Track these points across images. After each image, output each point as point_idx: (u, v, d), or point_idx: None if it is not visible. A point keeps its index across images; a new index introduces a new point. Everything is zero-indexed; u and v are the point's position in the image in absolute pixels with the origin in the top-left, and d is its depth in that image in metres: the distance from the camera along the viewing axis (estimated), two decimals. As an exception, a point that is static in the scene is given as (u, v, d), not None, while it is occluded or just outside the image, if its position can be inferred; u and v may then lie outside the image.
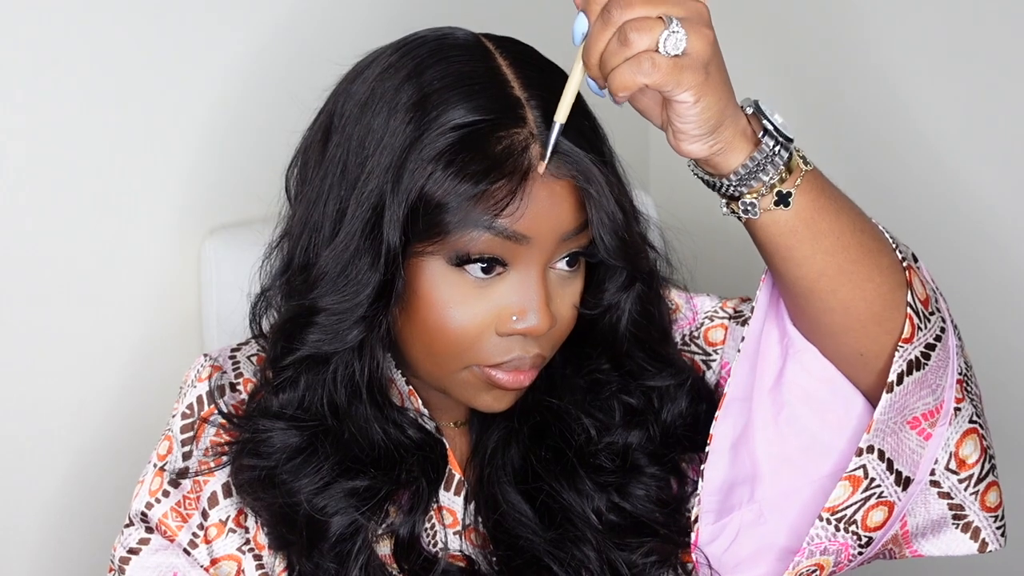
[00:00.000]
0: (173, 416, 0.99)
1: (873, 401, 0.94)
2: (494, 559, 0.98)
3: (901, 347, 0.91)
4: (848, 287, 0.90)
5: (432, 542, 0.98)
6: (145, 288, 1.26)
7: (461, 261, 0.88)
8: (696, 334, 1.06)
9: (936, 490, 0.96)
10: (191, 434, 0.97)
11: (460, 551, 0.98)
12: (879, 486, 0.94)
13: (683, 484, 1.01)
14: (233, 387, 0.99)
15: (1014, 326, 1.39)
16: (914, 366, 0.92)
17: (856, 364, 0.95)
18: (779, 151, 0.86)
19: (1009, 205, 1.37)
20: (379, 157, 0.88)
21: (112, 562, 0.97)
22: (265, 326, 0.99)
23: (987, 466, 0.97)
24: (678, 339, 1.05)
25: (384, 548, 0.96)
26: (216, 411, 0.97)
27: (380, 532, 0.96)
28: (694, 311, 1.06)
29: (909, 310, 0.91)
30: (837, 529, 0.95)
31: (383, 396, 0.94)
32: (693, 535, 0.98)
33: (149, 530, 0.96)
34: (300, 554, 0.93)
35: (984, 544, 0.97)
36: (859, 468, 0.93)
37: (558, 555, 0.97)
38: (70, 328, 1.22)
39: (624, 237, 0.89)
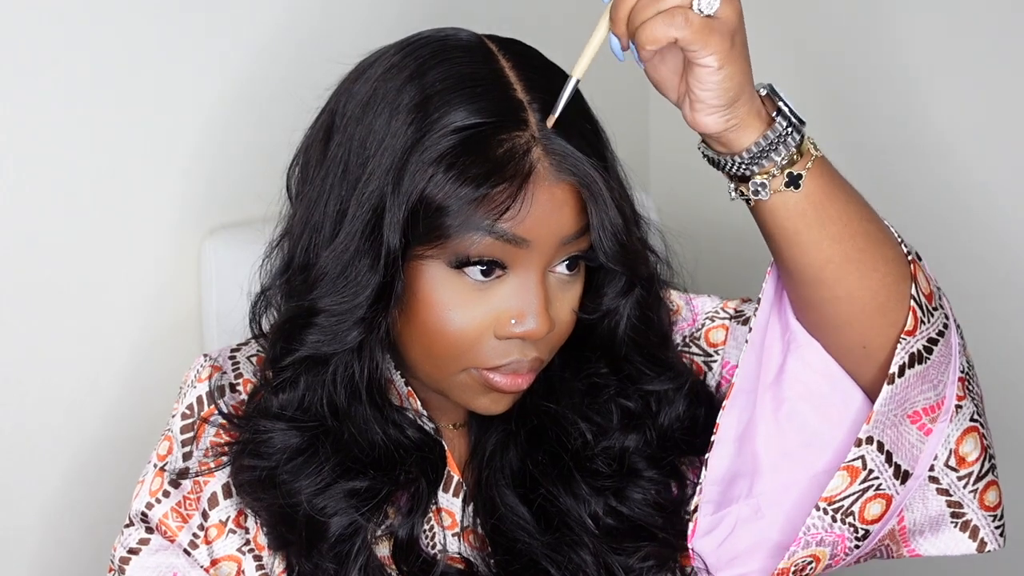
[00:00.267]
0: (173, 416, 0.99)
1: (874, 397, 0.94)
2: (492, 561, 0.98)
3: (904, 339, 0.91)
4: (854, 276, 0.90)
5: (431, 544, 0.98)
6: (145, 288, 1.26)
7: (461, 264, 0.88)
8: (697, 335, 1.06)
9: (935, 486, 0.96)
10: (191, 434, 0.97)
11: (458, 553, 0.98)
12: (877, 478, 0.94)
13: (683, 487, 1.01)
14: (233, 388, 0.99)
15: (1015, 327, 1.39)
16: (916, 359, 0.92)
17: (859, 357, 0.95)
18: (791, 133, 0.87)
19: (1012, 207, 1.37)
20: (380, 158, 0.88)
21: (112, 562, 0.97)
22: (265, 325, 0.99)
23: (987, 465, 0.97)
24: (678, 340, 1.05)
25: (383, 550, 0.96)
26: (216, 411, 0.97)
27: (379, 534, 0.95)
28: (694, 312, 1.06)
29: (913, 303, 0.92)
30: (834, 520, 0.95)
31: (382, 397, 0.94)
32: (691, 525, 0.98)
33: (149, 530, 0.96)
34: (299, 554, 0.93)
35: (983, 544, 0.97)
36: (858, 459, 0.93)
37: (555, 558, 0.97)
38: (70, 328, 1.21)
39: (624, 242, 0.89)
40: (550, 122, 0.87)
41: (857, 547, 0.96)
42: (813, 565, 0.97)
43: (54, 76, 1.17)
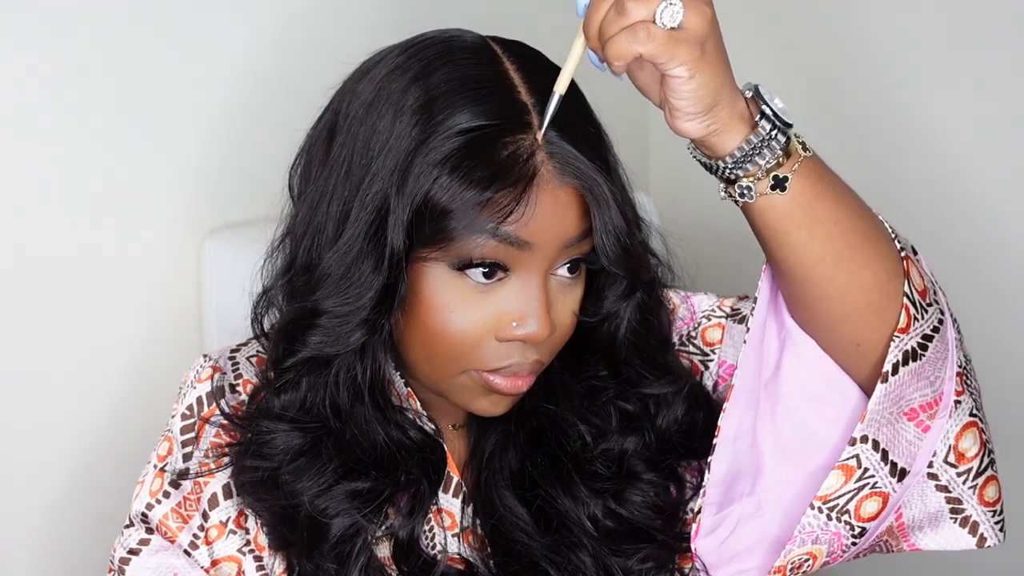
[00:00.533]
0: (173, 417, 0.99)
1: (870, 394, 0.94)
2: (492, 562, 0.98)
3: (897, 337, 0.91)
4: (845, 274, 0.90)
5: (431, 544, 0.98)
6: (145, 288, 1.26)
7: (463, 266, 0.88)
8: (694, 334, 1.06)
9: (934, 483, 0.96)
10: (191, 435, 0.97)
11: (458, 554, 0.98)
12: (872, 476, 0.94)
13: (681, 490, 1.01)
14: (233, 388, 0.99)
15: (1014, 326, 1.39)
16: (910, 356, 0.92)
17: (852, 355, 0.94)
18: (776, 135, 0.86)
19: (1011, 206, 1.37)
20: (384, 159, 0.88)
21: (112, 563, 0.97)
22: (266, 326, 0.99)
23: (986, 460, 0.96)
24: (675, 339, 1.05)
25: (384, 550, 0.96)
26: (218, 411, 0.97)
27: (380, 534, 0.96)
28: (692, 311, 1.06)
29: (906, 300, 0.91)
30: (829, 518, 0.95)
31: (384, 398, 0.94)
32: (695, 526, 0.98)
33: (149, 531, 0.96)
34: (300, 555, 0.93)
35: (983, 539, 0.97)
36: (852, 458, 0.93)
37: (555, 560, 0.97)
38: (70, 328, 1.21)
39: (626, 245, 0.89)
40: (539, 136, 0.87)
41: (854, 544, 0.96)
42: (810, 563, 0.97)
43: (55, 76, 1.17)
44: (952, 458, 0.95)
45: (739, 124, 0.86)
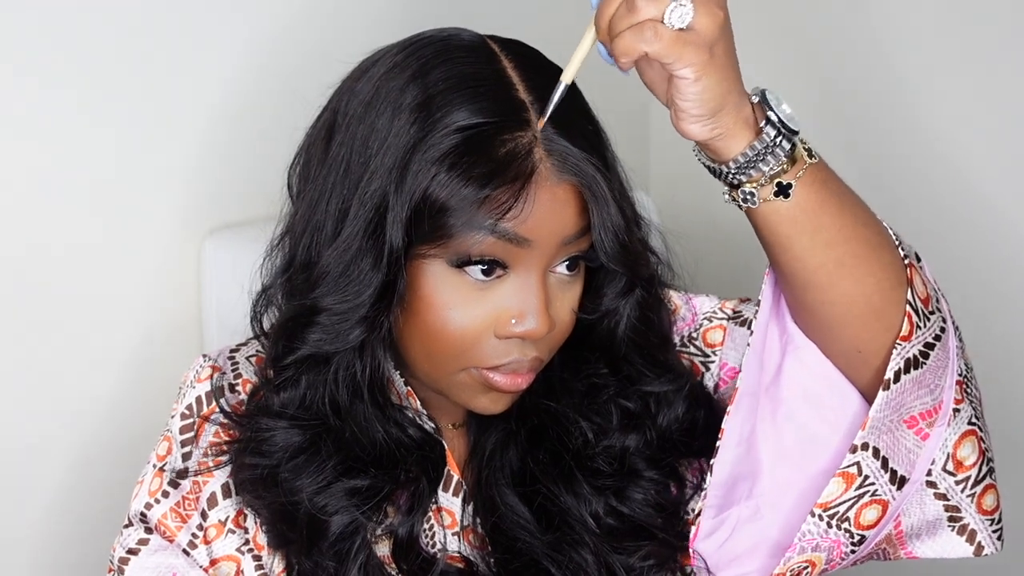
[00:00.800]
0: (172, 416, 0.99)
1: (870, 400, 0.94)
2: (492, 561, 0.98)
3: (899, 344, 0.91)
4: (848, 281, 0.90)
5: (431, 543, 0.98)
6: (145, 288, 1.26)
7: (462, 263, 0.88)
8: (695, 335, 1.05)
9: (932, 491, 0.96)
10: (191, 434, 0.97)
11: (458, 552, 0.98)
12: (873, 484, 0.94)
13: (682, 488, 1.01)
14: (232, 388, 0.99)
15: (1016, 326, 1.39)
16: (912, 364, 0.92)
17: (854, 361, 0.94)
18: (780, 142, 0.86)
19: (1013, 206, 1.36)
20: (383, 157, 0.88)
21: (111, 562, 0.97)
22: (266, 324, 0.99)
23: (985, 469, 0.96)
24: (676, 340, 1.05)
25: (383, 549, 0.96)
26: (218, 410, 0.97)
27: (379, 533, 0.96)
28: (693, 312, 1.06)
29: (908, 308, 0.91)
30: (829, 526, 0.95)
31: (384, 396, 0.94)
32: (694, 528, 0.98)
33: (148, 530, 0.96)
34: (299, 553, 0.93)
35: (980, 547, 0.97)
36: (853, 465, 0.93)
37: (556, 558, 0.97)
38: (70, 328, 1.21)
39: (625, 242, 0.89)
40: (539, 124, 0.87)
41: (853, 552, 0.96)
42: (809, 570, 0.97)
43: (54, 77, 1.17)
44: (951, 466, 0.95)
45: (744, 129, 0.85)
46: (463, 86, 0.87)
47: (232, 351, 1.03)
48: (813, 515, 0.95)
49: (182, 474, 0.96)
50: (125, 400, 1.26)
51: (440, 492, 0.98)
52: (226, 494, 0.96)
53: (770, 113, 0.86)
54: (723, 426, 0.97)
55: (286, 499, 0.92)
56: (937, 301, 0.95)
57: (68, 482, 1.24)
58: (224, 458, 0.96)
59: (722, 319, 1.05)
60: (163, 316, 1.27)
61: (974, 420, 0.96)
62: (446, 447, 0.99)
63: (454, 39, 0.92)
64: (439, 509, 0.98)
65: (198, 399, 0.98)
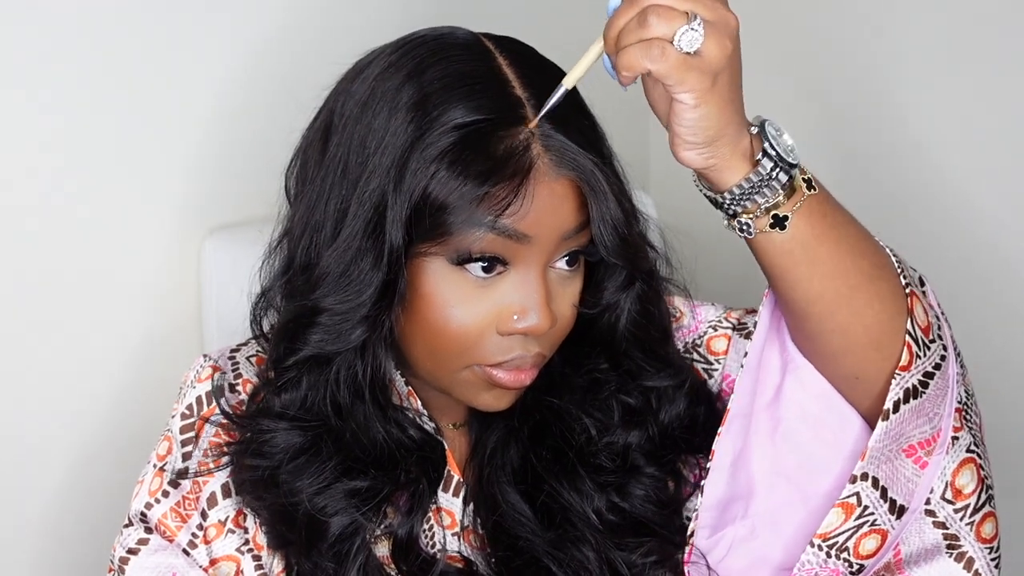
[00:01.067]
0: (172, 416, 0.99)
1: (870, 422, 0.94)
2: (492, 560, 0.98)
3: (898, 375, 0.91)
4: (845, 312, 0.90)
5: (430, 543, 0.98)
6: (145, 288, 1.26)
7: (462, 260, 0.88)
8: (699, 343, 1.05)
9: (931, 519, 0.95)
10: (191, 434, 0.98)
11: (458, 552, 0.98)
12: (872, 514, 0.94)
13: (680, 485, 1.01)
14: (232, 388, 1.00)
15: (1014, 329, 1.39)
16: (911, 394, 0.91)
17: (852, 387, 0.94)
18: (777, 175, 0.85)
19: (1010, 211, 1.36)
20: (380, 157, 0.88)
21: (112, 562, 0.97)
22: (266, 326, 0.99)
23: (984, 496, 0.96)
24: (680, 347, 1.05)
25: (383, 549, 0.96)
26: (218, 410, 0.97)
27: (379, 533, 0.95)
28: (697, 320, 1.06)
29: (908, 338, 0.91)
30: (828, 555, 0.95)
31: (385, 396, 0.94)
32: (687, 550, 0.98)
33: (148, 530, 0.96)
34: (299, 554, 0.93)
35: (977, 575, 0.96)
36: (852, 495, 0.93)
37: (557, 556, 0.97)
38: (70, 328, 1.21)
39: (624, 236, 0.89)
40: (532, 124, 0.87)
41: None
42: None
43: (54, 77, 1.17)
44: (949, 495, 0.95)
45: (740, 162, 0.85)
46: (459, 84, 0.87)
47: (232, 351, 1.03)
48: (812, 545, 0.95)
49: (182, 474, 0.96)
50: (125, 400, 1.26)
51: (440, 492, 0.98)
52: (226, 494, 0.96)
53: (767, 146, 0.85)
54: (714, 447, 0.97)
55: (286, 500, 0.92)
56: (939, 328, 0.95)
57: (68, 482, 1.24)
58: (225, 459, 0.96)
59: (727, 328, 1.05)
60: (163, 316, 1.27)
61: (973, 447, 0.96)
62: (446, 447, 0.99)
63: (448, 37, 0.92)
64: (439, 510, 0.98)
65: (198, 399, 0.98)
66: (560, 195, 0.88)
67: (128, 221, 1.23)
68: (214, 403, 0.98)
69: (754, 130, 0.86)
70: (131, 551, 0.96)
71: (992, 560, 0.96)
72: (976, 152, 1.37)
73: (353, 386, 0.93)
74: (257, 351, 1.02)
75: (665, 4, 0.79)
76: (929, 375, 0.92)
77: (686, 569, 0.98)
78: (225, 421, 0.97)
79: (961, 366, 0.97)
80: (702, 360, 1.05)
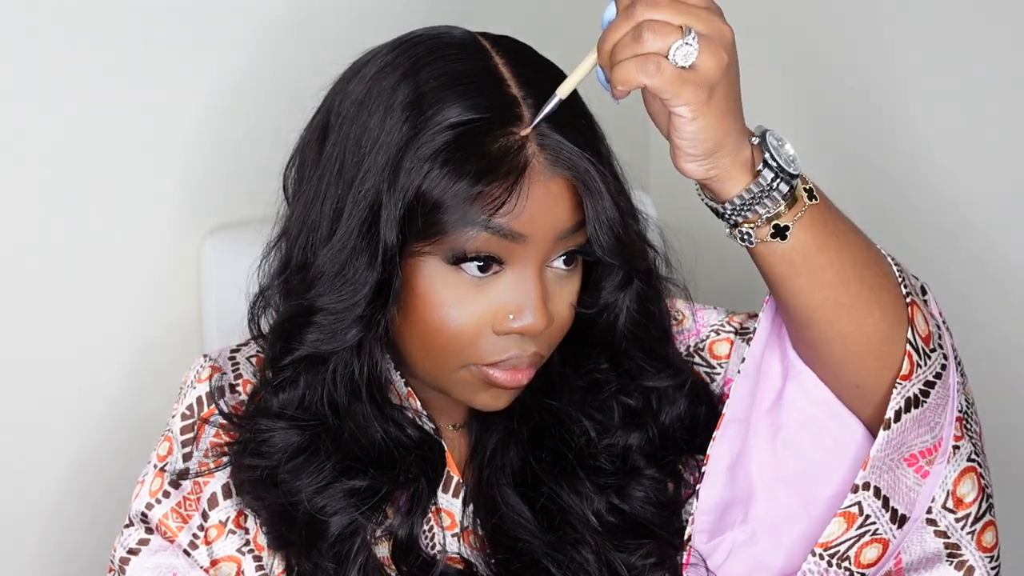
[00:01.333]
0: (173, 417, 0.99)
1: (871, 430, 0.94)
2: (492, 561, 0.98)
3: (899, 384, 0.91)
4: (846, 320, 0.90)
5: (430, 544, 0.98)
6: (145, 288, 1.26)
7: (458, 260, 0.88)
8: (701, 347, 1.05)
9: (932, 528, 0.95)
10: (191, 435, 0.98)
11: (458, 554, 0.98)
12: (874, 523, 0.94)
13: (679, 486, 1.01)
14: (232, 388, 1.00)
15: (1014, 330, 1.39)
16: (912, 403, 0.91)
17: (853, 395, 0.94)
18: (778, 185, 0.85)
19: (1011, 213, 1.36)
20: (375, 156, 0.88)
21: (112, 562, 0.97)
22: (264, 326, 0.99)
23: (984, 505, 0.96)
24: (682, 351, 1.05)
25: (383, 550, 0.96)
26: (216, 412, 0.97)
27: (379, 534, 0.95)
28: (699, 324, 1.06)
29: (909, 347, 0.91)
30: (830, 565, 0.95)
31: (382, 396, 0.94)
32: (684, 554, 0.98)
33: (149, 531, 0.96)
34: (299, 554, 0.93)
35: None
36: (854, 505, 0.93)
37: (557, 557, 0.96)
38: (70, 328, 1.22)
39: (620, 235, 0.89)
40: (526, 131, 0.86)
41: None
42: None
43: (53, 77, 1.17)
44: (951, 504, 0.95)
45: (741, 172, 0.85)
46: (454, 83, 0.87)
47: (233, 351, 1.03)
48: (814, 554, 0.94)
49: (183, 475, 0.96)
50: (125, 400, 1.26)
51: (440, 493, 0.98)
52: (227, 495, 0.96)
53: (768, 156, 0.85)
54: (708, 451, 0.97)
55: (285, 500, 0.92)
56: (939, 338, 0.94)
57: (69, 482, 1.24)
58: (225, 459, 0.96)
59: (729, 332, 1.05)
60: (163, 316, 1.27)
61: (974, 456, 0.95)
62: (445, 448, 0.99)
63: (445, 36, 0.92)
64: (438, 510, 0.98)
65: (199, 399, 0.98)
66: (555, 194, 0.88)
67: (128, 221, 1.23)
68: (212, 407, 0.97)
69: (755, 140, 0.86)
70: (132, 551, 0.96)
71: (992, 569, 0.96)
72: (977, 153, 1.37)
73: (350, 385, 0.93)
74: (257, 351, 1.02)
75: (659, 19, 0.79)
76: (930, 384, 0.92)
77: (684, 573, 0.98)
78: (225, 421, 0.97)
79: (961, 375, 0.96)
80: (704, 364, 1.05)
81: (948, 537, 0.95)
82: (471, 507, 0.99)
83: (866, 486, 0.92)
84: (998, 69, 1.33)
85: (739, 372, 0.97)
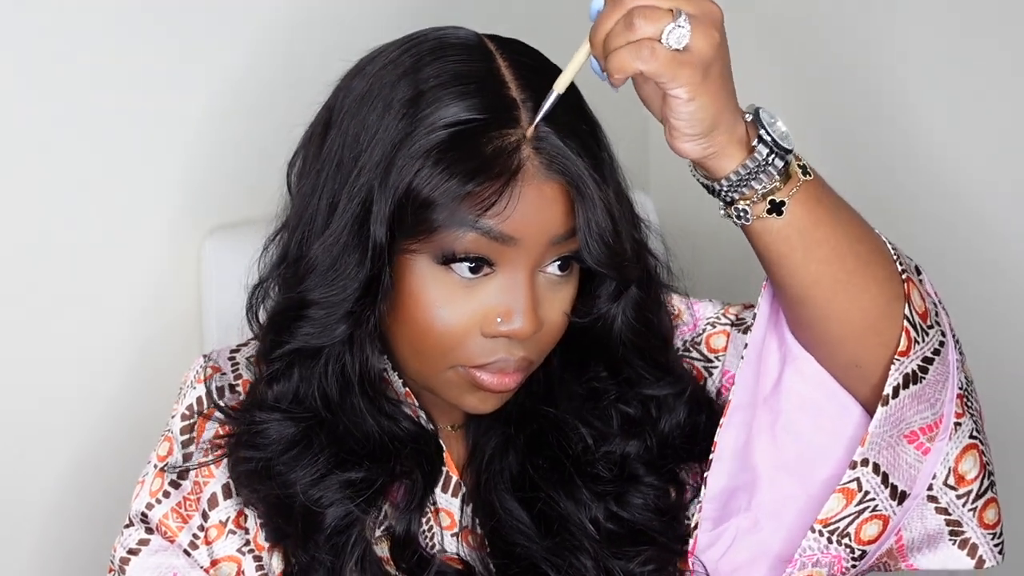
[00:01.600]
0: (173, 417, 0.99)
1: (871, 411, 0.93)
2: (491, 563, 0.98)
3: (897, 360, 0.91)
4: (843, 297, 0.90)
5: (430, 544, 0.98)
6: (145, 288, 1.26)
7: (447, 259, 0.88)
8: (698, 340, 1.05)
9: (933, 505, 0.95)
10: (191, 435, 0.97)
11: (457, 554, 0.98)
12: (873, 499, 0.94)
13: (681, 493, 1.01)
14: (232, 388, 1.00)
15: (1013, 332, 1.39)
16: (911, 379, 0.91)
17: (852, 375, 0.94)
18: (773, 160, 0.85)
19: (1010, 213, 1.37)
20: (371, 152, 0.88)
21: (112, 562, 0.97)
22: (263, 317, 0.99)
23: (986, 483, 0.96)
24: (679, 345, 1.05)
25: (383, 551, 0.96)
26: (216, 409, 0.97)
27: (378, 534, 0.95)
28: (695, 317, 1.06)
29: (906, 323, 0.91)
30: (830, 541, 0.95)
31: (375, 389, 0.94)
32: (691, 542, 0.98)
33: (149, 531, 0.96)
34: (296, 546, 0.93)
35: (981, 561, 0.96)
36: (853, 481, 0.93)
37: (555, 563, 0.96)
38: (70, 328, 1.22)
39: (611, 244, 0.88)
40: (529, 132, 0.87)
41: (853, 567, 0.96)
42: None
43: (54, 76, 1.17)
44: (952, 480, 0.95)
45: (736, 149, 0.85)
46: (454, 83, 0.87)
47: (232, 351, 1.03)
48: (813, 531, 0.94)
49: (183, 475, 0.96)
50: (125, 400, 1.26)
51: (439, 493, 0.98)
52: (227, 495, 0.96)
53: (762, 132, 0.86)
54: (716, 439, 0.97)
55: (281, 492, 0.92)
56: (936, 315, 0.95)
57: (68, 481, 1.24)
58: (221, 452, 0.96)
59: (725, 324, 1.05)
60: (163, 316, 1.27)
61: (975, 434, 0.96)
62: (443, 446, 0.99)
63: (451, 37, 0.92)
64: (438, 510, 0.98)
65: (198, 399, 0.98)
66: (549, 198, 0.87)
67: (128, 221, 1.23)
68: (212, 407, 0.97)
69: (748, 117, 0.87)
70: (132, 551, 0.96)
71: (995, 545, 0.96)
72: (978, 143, 1.37)
73: (342, 379, 0.93)
74: (257, 351, 1.02)
75: (649, 4, 0.80)
76: (928, 360, 0.92)
77: (690, 561, 0.98)
78: (225, 421, 0.97)
79: (960, 353, 0.97)
80: (701, 358, 1.05)
81: (949, 514, 0.95)
82: (470, 507, 0.99)
83: (864, 462, 0.92)
84: (999, 56, 1.33)
85: (742, 359, 0.97)
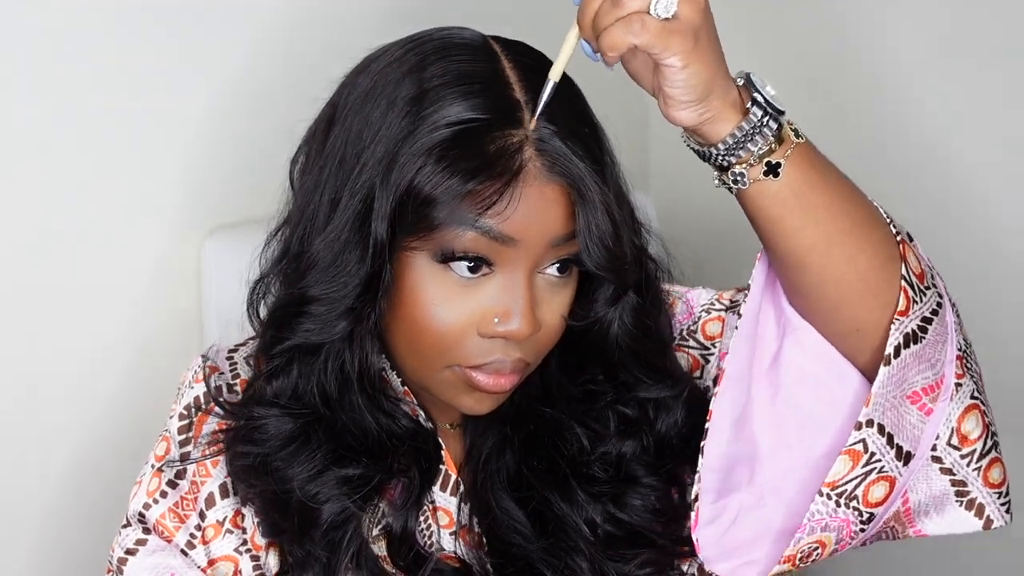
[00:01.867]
0: (171, 417, 0.99)
1: (871, 379, 0.93)
2: (488, 562, 0.98)
3: (897, 320, 0.91)
4: (840, 259, 0.90)
5: (428, 542, 0.98)
6: (146, 287, 1.26)
7: (446, 258, 0.88)
8: (694, 328, 1.05)
9: (938, 466, 0.96)
10: (189, 435, 0.98)
11: (454, 552, 0.98)
12: (879, 460, 0.93)
13: (683, 494, 1.01)
14: (230, 388, 1.00)
15: (1013, 326, 1.39)
16: (911, 339, 0.91)
17: (853, 340, 0.94)
18: (768, 122, 0.86)
19: (1009, 208, 1.36)
20: (374, 149, 0.88)
21: (110, 562, 0.97)
22: (263, 312, 0.99)
23: (989, 443, 0.96)
24: (675, 334, 1.05)
25: (380, 549, 0.96)
26: (215, 407, 0.97)
27: (376, 533, 0.95)
28: (691, 306, 1.06)
29: (904, 283, 0.91)
30: (838, 505, 0.94)
31: (373, 386, 0.94)
32: (693, 515, 0.97)
33: (146, 531, 0.96)
34: (292, 541, 0.93)
35: (989, 521, 0.96)
36: (859, 442, 0.93)
37: (551, 563, 0.96)
38: (70, 327, 1.22)
39: (611, 248, 0.88)
40: (532, 124, 0.87)
41: (862, 530, 0.96)
42: (819, 551, 0.96)
43: (54, 76, 1.17)
44: (955, 440, 0.95)
45: (731, 112, 0.86)
46: (458, 82, 0.88)
47: (231, 351, 1.03)
48: (821, 495, 0.94)
49: (180, 474, 0.96)
50: (124, 399, 1.26)
51: (437, 491, 0.98)
52: (224, 494, 0.96)
53: (756, 94, 0.87)
54: (711, 408, 0.97)
55: (278, 487, 0.92)
56: (932, 278, 0.95)
57: (68, 482, 1.24)
58: (219, 447, 0.96)
59: (720, 310, 1.05)
60: (163, 315, 1.27)
61: (976, 394, 0.96)
62: (442, 444, 0.99)
63: (456, 37, 0.92)
64: (436, 508, 0.98)
65: (196, 399, 0.99)
66: (550, 200, 0.88)
67: (128, 221, 1.24)
68: (212, 403, 0.98)
69: (740, 81, 0.88)
70: (129, 551, 0.96)
71: (1002, 505, 0.96)
72: (981, 132, 1.37)
73: (341, 376, 0.93)
74: (255, 351, 1.02)
75: None
76: (927, 320, 0.92)
77: (694, 536, 0.98)
78: (224, 416, 0.97)
79: (957, 316, 0.97)
80: (698, 346, 1.05)
81: (954, 474, 0.95)
82: (467, 505, 0.99)
83: (869, 423, 0.92)
84: (1002, 47, 1.33)
85: (736, 328, 0.97)
